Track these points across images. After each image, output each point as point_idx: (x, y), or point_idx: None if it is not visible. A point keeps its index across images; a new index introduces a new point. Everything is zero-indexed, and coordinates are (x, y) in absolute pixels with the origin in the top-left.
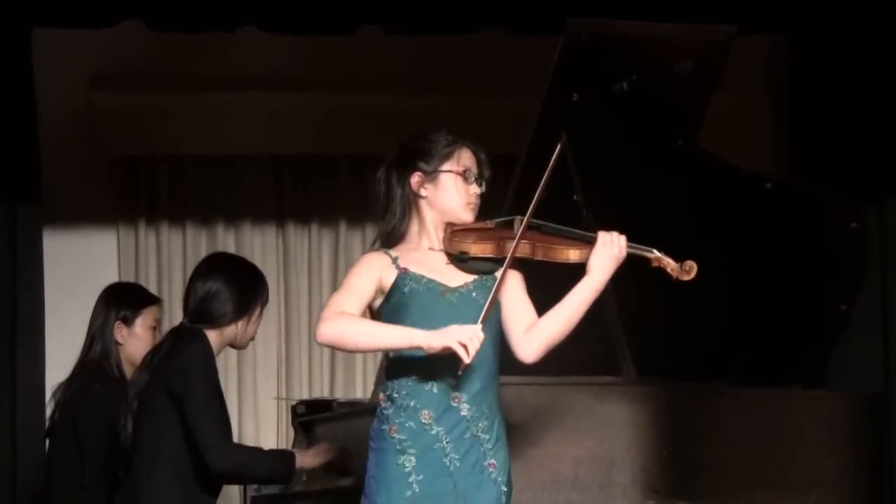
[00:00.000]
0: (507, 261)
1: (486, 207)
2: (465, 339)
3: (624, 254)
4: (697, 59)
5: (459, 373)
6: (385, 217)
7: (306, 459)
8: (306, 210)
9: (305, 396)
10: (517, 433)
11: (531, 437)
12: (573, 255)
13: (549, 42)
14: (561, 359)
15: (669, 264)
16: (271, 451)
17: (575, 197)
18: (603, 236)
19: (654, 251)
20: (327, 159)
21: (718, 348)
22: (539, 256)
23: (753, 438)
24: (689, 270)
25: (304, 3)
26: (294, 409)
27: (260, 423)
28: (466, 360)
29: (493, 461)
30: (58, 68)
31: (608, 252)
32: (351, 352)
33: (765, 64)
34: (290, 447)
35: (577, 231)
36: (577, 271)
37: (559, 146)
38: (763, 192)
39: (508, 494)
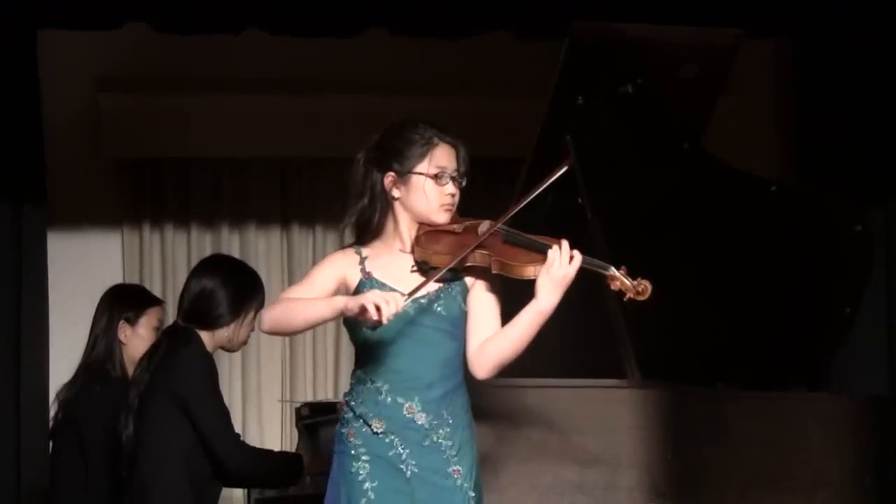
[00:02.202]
0: (455, 261)
1: (490, 209)
2: (381, 301)
3: (574, 271)
4: (703, 62)
5: (366, 329)
6: (356, 203)
7: (312, 464)
8: (311, 213)
9: (309, 399)
10: (521, 436)
11: (536, 440)
12: (529, 272)
13: (554, 45)
14: (566, 362)
15: (624, 283)
16: (282, 454)
17: (580, 200)
18: (551, 255)
19: (611, 268)
20: (333, 162)
21: (723, 351)
22: (495, 270)
23: (758, 441)
24: (642, 291)
25: (309, 5)
26: (298, 411)
27: (264, 426)
28: (375, 317)
29: (457, 467)
30: (63, 70)
31: (556, 272)
32: (293, 333)
33: (769, 66)
34: (294, 450)
35: (541, 242)
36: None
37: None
38: (768, 196)
39: (477, 500)
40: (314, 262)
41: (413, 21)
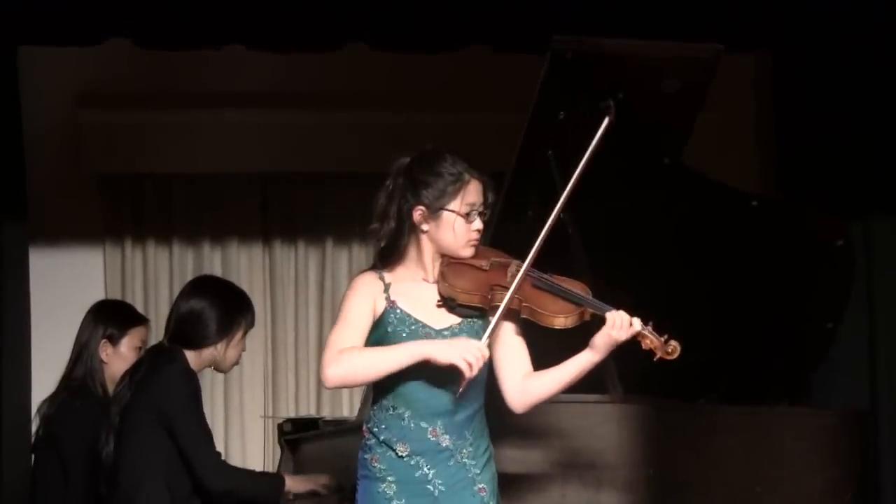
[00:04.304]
0: (496, 316)
1: None
2: (471, 357)
3: (629, 336)
4: (684, 77)
5: (460, 390)
6: (381, 228)
7: (294, 484)
8: (293, 228)
9: (292, 414)
10: (504, 452)
11: (517, 455)
12: (559, 322)
13: (535, 59)
14: None
15: (653, 343)
16: (263, 475)
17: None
18: (612, 318)
19: (642, 326)
20: (314, 177)
21: (704, 366)
22: (525, 315)
23: (739, 456)
24: (671, 352)
25: (289, 21)
26: (280, 427)
27: (246, 442)
28: (469, 376)
29: (482, 485)
30: (44, 86)
31: (615, 335)
32: (363, 384)
33: (751, 81)
34: (276, 466)
35: (572, 291)
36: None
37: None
38: (749, 210)
39: None
40: (296, 278)
41: (393, 35)
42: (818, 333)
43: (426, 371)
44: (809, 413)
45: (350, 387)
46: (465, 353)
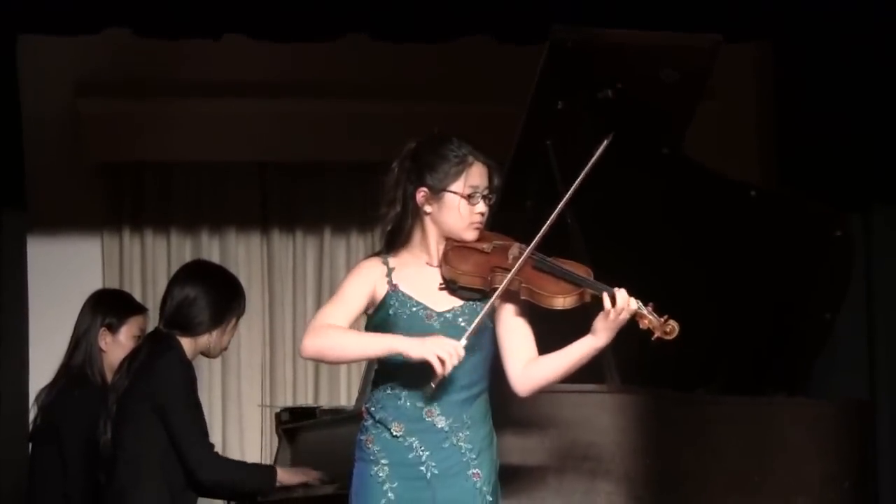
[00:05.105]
0: (493, 296)
1: None
2: (444, 353)
3: (629, 316)
4: (683, 67)
5: (433, 385)
6: (388, 212)
7: (286, 476)
8: (291, 217)
9: (289, 404)
10: (501, 442)
11: (515, 444)
12: (557, 302)
13: (535, 50)
14: None
15: (652, 323)
16: (255, 466)
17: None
18: (609, 298)
19: (641, 305)
20: (313, 166)
21: (703, 356)
22: (524, 296)
23: (737, 446)
24: (669, 332)
25: (289, 10)
26: (278, 416)
27: (244, 431)
28: (440, 372)
29: (477, 470)
30: (43, 74)
31: (613, 317)
32: (334, 363)
33: (751, 72)
34: (273, 455)
35: (571, 272)
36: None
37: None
38: (748, 200)
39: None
40: (294, 268)
41: (393, 25)
42: (816, 324)
43: None
44: (808, 403)
45: (322, 362)
46: (438, 350)
